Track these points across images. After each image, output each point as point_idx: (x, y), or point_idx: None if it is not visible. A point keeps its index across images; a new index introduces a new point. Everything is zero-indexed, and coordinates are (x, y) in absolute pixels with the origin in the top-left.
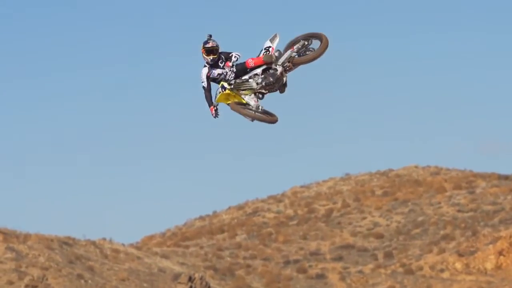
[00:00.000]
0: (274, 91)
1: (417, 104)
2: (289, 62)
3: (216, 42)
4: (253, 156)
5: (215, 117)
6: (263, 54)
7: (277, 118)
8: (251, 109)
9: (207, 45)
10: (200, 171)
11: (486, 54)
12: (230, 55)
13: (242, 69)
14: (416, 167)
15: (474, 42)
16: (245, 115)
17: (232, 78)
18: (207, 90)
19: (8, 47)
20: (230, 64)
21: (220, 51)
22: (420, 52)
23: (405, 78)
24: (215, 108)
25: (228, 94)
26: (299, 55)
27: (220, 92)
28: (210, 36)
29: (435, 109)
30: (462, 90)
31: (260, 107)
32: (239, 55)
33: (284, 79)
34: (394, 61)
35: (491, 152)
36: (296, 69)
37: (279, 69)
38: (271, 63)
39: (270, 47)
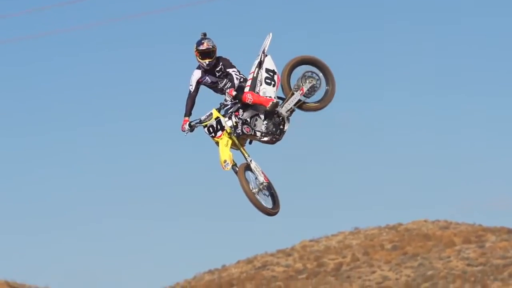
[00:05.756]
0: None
1: (427, 159)
2: (295, 106)
3: (212, 42)
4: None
5: (184, 132)
6: (268, 98)
7: (277, 211)
8: (255, 187)
9: (201, 47)
10: (209, 225)
11: (493, 114)
12: (232, 71)
13: (238, 100)
14: (425, 221)
15: (484, 103)
16: (244, 191)
17: (239, 118)
18: (191, 97)
19: None
20: (234, 93)
21: (218, 55)
22: (429, 106)
23: (414, 132)
24: (191, 124)
25: (228, 139)
26: (307, 98)
27: (212, 125)
28: (205, 34)
29: (445, 164)
30: (471, 146)
31: (263, 184)
32: (239, 76)
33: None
34: (402, 114)
35: (500, 206)
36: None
37: (287, 123)
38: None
39: (275, 73)
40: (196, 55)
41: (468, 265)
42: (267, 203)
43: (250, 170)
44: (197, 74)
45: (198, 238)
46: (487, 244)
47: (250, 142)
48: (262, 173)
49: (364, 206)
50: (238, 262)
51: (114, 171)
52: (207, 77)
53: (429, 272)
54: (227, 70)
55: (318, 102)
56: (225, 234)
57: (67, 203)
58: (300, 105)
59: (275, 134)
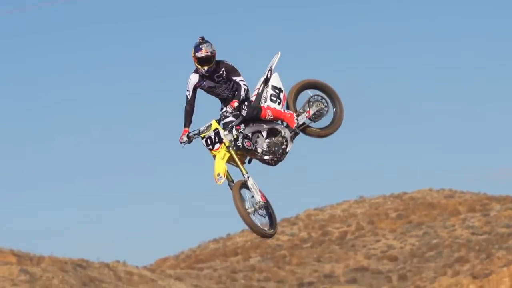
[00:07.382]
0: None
1: (431, 128)
2: (299, 129)
3: (211, 47)
4: (267, 179)
5: (182, 144)
6: (293, 114)
7: (273, 233)
8: (250, 206)
9: (199, 54)
10: (214, 194)
11: (499, 84)
12: (240, 80)
13: (252, 116)
14: (430, 190)
15: (489, 73)
16: (237, 209)
17: (240, 132)
18: (190, 104)
19: None
20: (236, 104)
21: (218, 59)
22: (433, 76)
23: (420, 101)
24: (189, 135)
25: (225, 152)
26: (312, 122)
27: (210, 136)
28: (203, 38)
29: (450, 133)
30: (476, 115)
31: (260, 204)
32: (246, 87)
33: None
34: (408, 83)
35: (505, 175)
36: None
37: (291, 144)
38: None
39: (281, 91)
40: (194, 61)
41: (473, 233)
42: (263, 223)
43: (247, 187)
44: (194, 79)
45: (203, 207)
46: (492, 213)
47: (250, 161)
48: (260, 191)
49: (368, 175)
50: (243, 231)
51: (122, 143)
52: (204, 82)
53: (434, 241)
54: (233, 78)
55: (324, 128)
56: (229, 203)
57: (73, 173)
58: (304, 128)
59: (277, 153)
